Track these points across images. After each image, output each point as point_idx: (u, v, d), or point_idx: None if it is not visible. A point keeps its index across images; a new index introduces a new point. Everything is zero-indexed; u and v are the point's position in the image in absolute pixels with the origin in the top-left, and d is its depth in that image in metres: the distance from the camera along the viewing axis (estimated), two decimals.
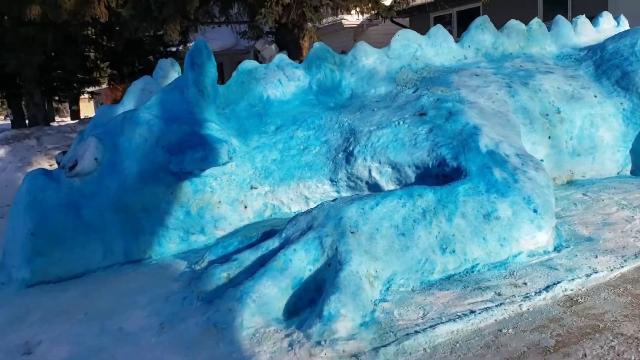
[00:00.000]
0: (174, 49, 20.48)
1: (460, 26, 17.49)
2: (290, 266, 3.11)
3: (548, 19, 14.06)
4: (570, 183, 4.88)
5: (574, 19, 6.19)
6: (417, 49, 5.23)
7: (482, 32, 5.49)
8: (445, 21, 18.26)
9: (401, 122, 4.31)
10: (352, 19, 21.36)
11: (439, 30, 5.38)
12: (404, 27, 20.13)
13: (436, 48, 5.32)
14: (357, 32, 21.50)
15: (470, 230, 3.37)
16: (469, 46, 5.47)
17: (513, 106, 4.65)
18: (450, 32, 17.20)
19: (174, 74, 5.31)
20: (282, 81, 5.01)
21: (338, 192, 4.42)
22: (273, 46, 12.59)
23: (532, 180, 3.61)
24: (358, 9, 8.69)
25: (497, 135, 4.00)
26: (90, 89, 28.09)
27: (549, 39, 5.81)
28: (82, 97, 30.46)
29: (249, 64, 5.06)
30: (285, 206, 4.48)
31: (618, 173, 5.02)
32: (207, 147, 3.90)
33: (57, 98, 27.68)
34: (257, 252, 3.36)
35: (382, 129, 4.32)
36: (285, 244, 3.32)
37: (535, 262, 3.36)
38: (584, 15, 6.25)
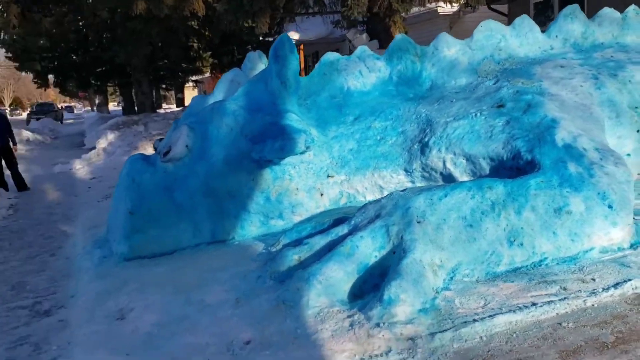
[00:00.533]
0: (270, 39, 21.16)
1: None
2: (357, 252, 3.27)
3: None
4: None
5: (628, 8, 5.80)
6: (500, 39, 5.17)
7: (571, 22, 5.31)
8: (546, 7, 17.46)
9: (478, 114, 4.32)
10: (448, 6, 20.96)
11: (524, 21, 5.27)
12: (502, 14, 19.44)
13: (521, 39, 5.22)
14: (453, 20, 21.08)
15: (540, 224, 3.36)
16: (557, 36, 5.31)
17: (598, 99, 4.50)
18: (551, 19, 16.51)
19: (262, 65, 5.59)
20: (363, 72, 5.15)
21: (413, 182, 4.51)
22: (364, 35, 12.66)
23: (609, 176, 3.52)
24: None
25: (576, 129, 3.91)
26: (194, 78, 29.69)
27: None
28: (186, 85, 32.27)
29: (331, 56, 5.24)
30: (360, 195, 4.64)
31: None
32: (286, 136, 4.13)
33: (164, 86, 29.51)
34: (327, 237, 3.55)
35: (458, 120, 4.35)
36: (353, 231, 3.49)
37: (608, 259, 3.30)
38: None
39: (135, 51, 15.60)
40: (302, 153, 4.35)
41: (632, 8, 5.49)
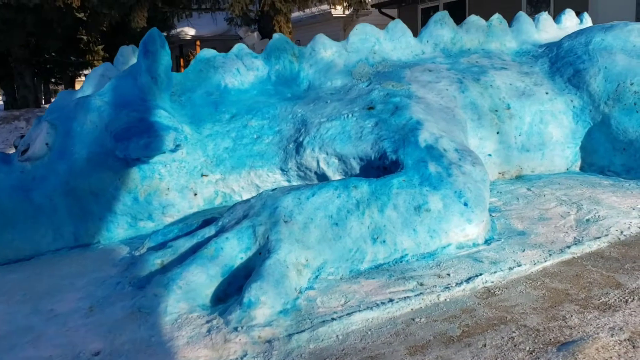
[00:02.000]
0: (164, 33, 20.44)
1: None
2: (221, 254, 3.19)
3: (532, 14, 14.20)
4: (519, 178, 4.98)
5: (536, 15, 6.28)
6: (375, 43, 5.30)
7: (441, 28, 5.57)
8: (432, 13, 18.31)
9: (350, 115, 4.39)
10: (340, 8, 21.40)
11: (397, 25, 5.45)
12: (392, 18, 20.17)
13: (394, 42, 5.40)
14: (347, 22, 21.56)
15: (401, 222, 3.47)
16: (427, 41, 5.54)
17: (462, 102, 4.74)
18: None
19: (134, 60, 5.35)
20: (241, 70, 5.07)
21: (289, 181, 4.51)
22: (255, 34, 12.59)
23: (466, 175, 3.71)
24: (331, 1, 8.68)
25: (439, 131, 4.09)
26: (87, 72, 28.03)
27: (509, 35, 5.89)
28: (78, 79, 30.37)
29: (207, 52, 5.12)
30: (236, 194, 4.57)
31: (567, 169, 5.13)
32: (153, 134, 3.97)
33: (53, 80, 27.55)
34: (193, 239, 3.45)
35: (331, 121, 4.40)
36: (220, 232, 3.41)
37: (463, 254, 3.47)
38: (546, 12, 6.32)
39: (10, 40, 14.47)
40: (172, 151, 4.21)
41: (496, 17, 5.85)
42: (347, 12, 21.13)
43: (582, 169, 5.13)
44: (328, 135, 4.30)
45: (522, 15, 6.07)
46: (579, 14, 6.75)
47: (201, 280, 3.06)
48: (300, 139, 4.41)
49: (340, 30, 21.72)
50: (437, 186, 3.59)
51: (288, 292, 2.96)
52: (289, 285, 3.00)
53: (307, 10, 21.15)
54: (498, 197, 4.52)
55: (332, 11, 21.14)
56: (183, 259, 3.30)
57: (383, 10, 19.67)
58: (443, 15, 5.60)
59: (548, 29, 6.18)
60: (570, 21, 6.41)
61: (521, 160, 4.98)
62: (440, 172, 3.67)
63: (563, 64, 5.32)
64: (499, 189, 4.72)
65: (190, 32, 26.41)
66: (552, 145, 5.03)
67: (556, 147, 5.05)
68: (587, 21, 6.58)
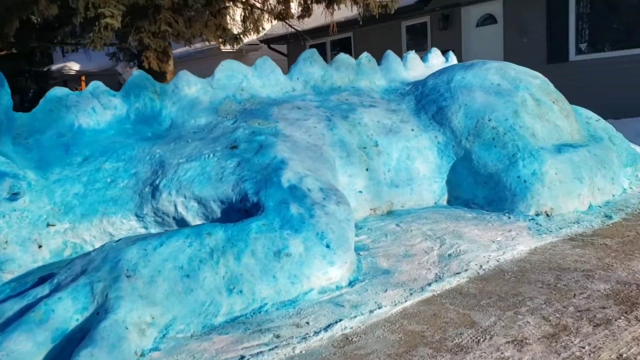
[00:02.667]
0: (44, 69, 19.27)
1: (334, 54, 18.03)
2: (52, 317, 2.82)
3: (411, 48, 14.88)
4: (390, 213, 4.99)
5: (404, 54, 6.47)
6: (242, 79, 5.17)
7: (311, 65, 5.56)
8: (321, 49, 18.74)
9: (211, 155, 4.18)
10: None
11: (265, 62, 5.36)
12: (282, 54, 20.41)
13: (263, 79, 5.30)
14: (237, 57, 21.50)
15: (260, 269, 3.28)
16: (298, 78, 5.50)
17: (331, 139, 4.69)
18: (325, 59, 17.70)
19: None
20: (97, 109, 4.72)
21: (146, 228, 4.18)
22: (134, 69, 12.15)
23: (329, 215, 3.60)
24: (205, 37, 8.53)
25: (304, 170, 3.98)
26: None
27: (378, 73, 6.00)
28: None
29: (58, 91, 4.73)
30: (88, 244, 4.16)
31: (435, 203, 5.22)
32: None
33: None
34: (23, 301, 3.04)
35: (190, 161, 4.16)
36: (55, 291, 3.03)
37: (325, 299, 3.33)
38: (414, 51, 6.55)
39: None
40: (10, 200, 3.76)
41: (364, 55, 5.95)
42: (236, 47, 21.16)
43: (449, 202, 5.24)
44: (186, 177, 4.05)
45: (390, 54, 6.23)
46: (445, 52, 7.06)
47: (26, 348, 2.67)
48: (157, 182, 4.12)
49: None
50: (298, 228, 3.45)
51: (126, 357, 2.64)
52: (128, 348, 2.68)
53: (195, 46, 20.91)
54: (368, 234, 4.47)
55: (221, 46, 21.04)
56: (9, 324, 2.89)
57: (272, 45, 19.85)
58: (312, 53, 5.60)
59: (416, 67, 6.39)
60: (436, 59, 6.67)
61: (391, 196, 4.99)
62: (302, 214, 3.54)
63: (427, 102, 5.47)
64: (369, 225, 4.68)
65: (74, 67, 25.18)
66: (419, 180, 5.10)
67: (424, 182, 5.13)
68: (452, 59, 6.89)
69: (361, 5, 8.88)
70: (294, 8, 10.98)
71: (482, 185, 5.05)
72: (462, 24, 13.76)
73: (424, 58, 6.67)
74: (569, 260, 3.81)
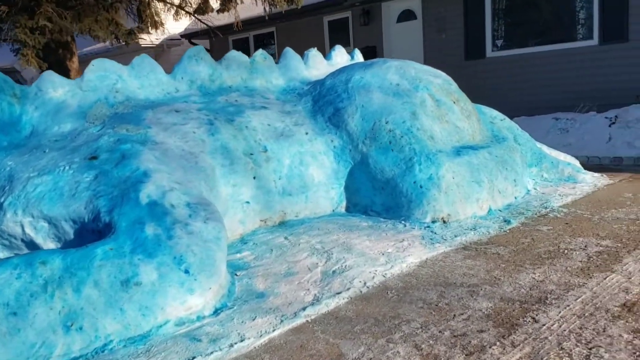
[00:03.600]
0: None
1: (256, 49, 17.51)
2: None
3: (334, 44, 14.62)
4: (282, 224, 4.65)
5: (305, 52, 6.14)
6: (117, 80, 4.68)
7: (197, 64, 5.13)
8: (244, 43, 18.23)
9: (67, 167, 3.70)
10: (151, 38, 20.53)
11: (144, 60, 4.89)
12: (207, 49, 19.70)
13: (141, 80, 4.82)
14: (158, 52, 20.69)
15: (104, 301, 2.85)
16: (182, 78, 5.06)
17: (211, 146, 4.30)
18: (249, 54, 17.22)
19: None
20: None
21: None
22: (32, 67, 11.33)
23: (193, 235, 3.21)
24: (94, 32, 7.89)
25: (171, 182, 3.57)
26: None
27: (276, 72, 5.64)
28: None
29: None
30: None
31: (333, 210, 4.92)
32: None
33: None
34: None
35: (43, 175, 3.66)
36: None
37: (182, 333, 2.93)
38: (315, 48, 6.23)
39: None
40: None
41: (259, 52, 5.58)
42: (156, 42, 20.32)
43: (347, 209, 4.95)
44: (36, 193, 3.55)
45: (289, 52, 5.88)
46: (370, 48, 6.76)
47: None
48: (2, 200, 3.60)
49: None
50: (152, 252, 3.04)
51: None
52: None
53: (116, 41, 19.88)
54: (252, 250, 4.11)
55: (140, 41, 20.17)
56: None
57: (193, 40, 19.15)
58: (198, 50, 5.18)
59: (318, 66, 6.07)
60: (340, 57, 6.38)
61: (284, 205, 4.65)
62: (159, 235, 3.13)
63: (324, 103, 5.16)
64: (257, 239, 4.32)
65: None
66: (315, 187, 4.78)
67: (320, 189, 4.82)
68: (358, 57, 6.63)
69: (266, 0, 8.46)
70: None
71: (379, 191, 4.79)
72: (383, 20, 13.61)
73: (327, 56, 6.37)
74: (457, 273, 3.59)
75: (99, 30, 7.52)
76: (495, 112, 6.23)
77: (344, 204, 4.95)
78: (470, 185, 4.77)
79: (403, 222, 4.58)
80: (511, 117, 10.25)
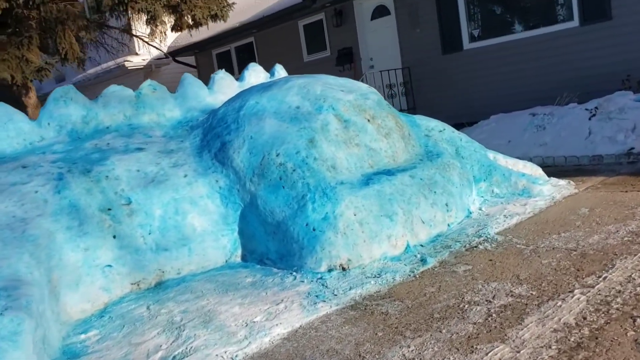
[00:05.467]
0: None
1: (238, 61, 16.99)
2: None
3: (311, 48, 13.94)
4: (159, 285, 4.01)
5: (212, 75, 5.50)
6: None
7: (65, 106, 4.54)
8: (225, 57, 17.68)
9: None
10: (137, 59, 20.23)
11: (1, 109, 4.32)
12: (191, 65, 19.28)
13: None
14: (147, 73, 20.32)
15: None
16: (49, 124, 4.48)
17: (55, 206, 3.69)
18: (232, 66, 16.67)
19: None
20: None
21: None
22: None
23: None
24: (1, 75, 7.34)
25: None
26: None
27: (169, 103, 5.02)
28: None
29: None
30: None
31: (226, 261, 4.26)
32: None
33: None
34: None
35: None
36: None
37: None
38: (224, 69, 5.57)
39: None
40: None
41: (146, 84, 4.97)
42: (144, 62, 19.96)
43: (244, 257, 4.29)
44: None
45: (187, 78, 5.25)
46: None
47: None
48: None
49: (142, 81, 20.32)
50: None
51: None
52: None
53: (102, 65, 19.74)
54: (102, 328, 3.48)
55: (126, 63, 19.90)
56: None
57: (178, 58, 18.70)
58: (66, 90, 4.59)
59: (226, 90, 5.42)
60: (255, 77, 5.71)
61: (161, 263, 4.02)
62: None
63: (212, 136, 4.51)
64: (117, 310, 3.69)
65: None
66: (199, 237, 4.14)
67: (206, 239, 4.17)
68: (280, 74, 5.94)
69: (187, 16, 7.84)
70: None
71: (272, 237, 4.12)
72: (357, 18, 12.85)
73: (240, 76, 5.70)
74: (322, 349, 2.90)
75: (3, 71, 7.01)
76: (433, 123, 5.47)
77: (239, 252, 4.29)
78: (379, 221, 4.05)
79: (294, 273, 3.89)
80: (490, 114, 9.40)
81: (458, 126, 10.41)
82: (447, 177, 4.78)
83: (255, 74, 5.71)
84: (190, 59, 19.10)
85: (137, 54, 20.33)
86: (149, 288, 3.99)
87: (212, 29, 16.45)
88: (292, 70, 14.43)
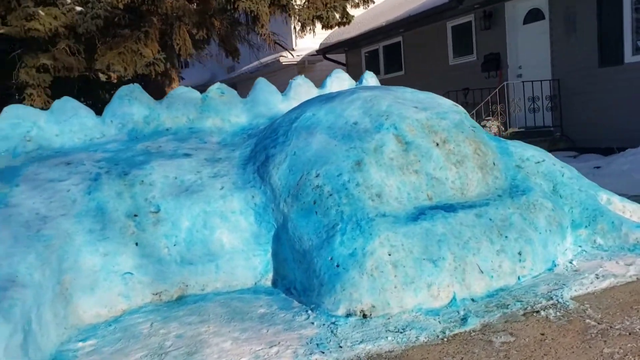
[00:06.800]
0: None
1: (385, 60, 16.61)
2: None
3: (457, 50, 13.09)
4: (180, 300, 3.85)
5: (290, 80, 5.22)
6: (31, 127, 4.33)
7: (129, 104, 4.56)
8: (373, 55, 17.40)
9: None
10: (294, 55, 20.85)
11: (66, 104, 4.47)
12: (341, 63, 19.34)
13: (61, 125, 4.41)
14: (300, 69, 20.82)
15: None
16: (112, 121, 4.54)
17: (81, 207, 3.68)
18: (379, 66, 16.39)
19: None
20: None
21: None
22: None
23: None
24: (116, 68, 7.65)
25: None
26: None
27: (237, 108, 4.85)
28: None
29: None
30: None
31: (255, 283, 3.96)
32: None
33: None
34: None
35: None
36: None
37: None
38: (303, 75, 5.28)
39: None
40: None
41: (215, 87, 4.84)
42: (298, 59, 20.46)
43: (275, 282, 3.96)
44: None
45: (261, 82, 5.03)
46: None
47: None
48: None
49: (297, 74, 20.85)
50: None
51: None
52: None
53: (261, 60, 20.71)
54: (101, 339, 3.37)
55: (281, 59, 20.59)
56: None
57: (328, 55, 18.82)
58: (132, 89, 4.61)
59: (303, 97, 5.10)
60: (339, 85, 5.31)
61: (185, 277, 3.85)
62: None
63: (261, 148, 4.23)
64: (126, 322, 3.57)
65: None
66: (227, 254, 3.89)
67: (236, 257, 3.91)
68: (369, 82, 5.46)
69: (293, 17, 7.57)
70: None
71: (298, 265, 3.74)
72: (507, 22, 11.72)
73: (322, 83, 5.35)
74: None
75: (118, 64, 7.38)
76: (530, 152, 4.63)
77: (270, 275, 3.97)
78: (419, 265, 3.46)
79: (310, 311, 3.47)
80: None
81: (607, 151, 9.01)
82: (530, 220, 3.99)
83: (339, 82, 5.31)
84: (341, 57, 19.14)
85: (293, 49, 20.98)
86: (170, 301, 3.84)
87: (362, 27, 16.34)
88: (435, 74, 13.79)
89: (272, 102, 4.96)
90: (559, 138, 10.56)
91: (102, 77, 9.70)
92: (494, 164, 4.32)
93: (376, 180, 3.78)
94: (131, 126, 4.54)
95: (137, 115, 4.56)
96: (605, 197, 4.67)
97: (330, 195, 3.70)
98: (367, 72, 5.59)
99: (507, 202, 4.02)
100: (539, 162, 4.55)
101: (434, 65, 14.06)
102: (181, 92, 4.74)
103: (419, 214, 3.70)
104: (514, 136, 10.16)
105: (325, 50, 18.60)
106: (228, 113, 4.78)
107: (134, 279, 3.75)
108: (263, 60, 21.02)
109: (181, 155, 4.20)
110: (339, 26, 10.16)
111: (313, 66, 20.98)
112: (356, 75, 17.89)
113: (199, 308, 3.67)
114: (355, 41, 17.09)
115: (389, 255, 3.44)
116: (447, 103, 4.52)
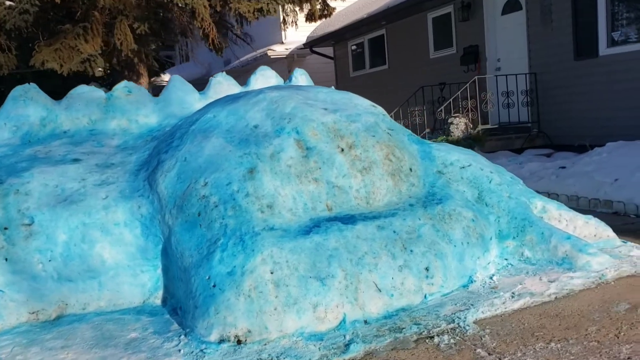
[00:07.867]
0: None
1: (370, 54, 16.22)
2: None
3: (438, 42, 12.68)
4: (57, 320, 3.54)
5: (211, 77, 4.89)
6: None
7: (25, 106, 4.25)
8: (359, 49, 17.00)
9: None
10: (281, 49, 20.53)
11: None
12: (328, 57, 18.97)
13: None
14: (289, 62, 20.45)
15: None
16: (5, 124, 4.23)
17: None
18: (363, 58, 16.02)
19: None
20: None
21: None
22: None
23: None
24: (50, 65, 7.31)
25: None
26: None
27: (147, 108, 4.53)
28: None
29: None
30: None
31: (144, 302, 3.64)
32: None
33: None
34: None
35: None
36: None
37: None
38: (224, 72, 4.94)
39: None
40: None
41: (121, 85, 4.52)
42: (286, 52, 20.09)
43: (165, 300, 3.65)
44: None
45: (176, 80, 4.70)
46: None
47: None
48: None
49: (285, 69, 20.51)
50: None
51: None
52: None
53: (251, 53, 20.44)
54: None
55: (269, 52, 20.27)
56: None
57: (316, 49, 18.42)
58: (27, 89, 4.30)
59: (224, 94, 4.76)
60: (264, 83, 4.96)
61: (64, 294, 3.54)
62: None
63: (156, 152, 3.91)
64: None
65: None
66: (112, 270, 3.58)
67: (121, 273, 3.60)
68: (299, 80, 5.12)
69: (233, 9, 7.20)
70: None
71: (180, 284, 3.42)
72: (485, 12, 11.29)
73: (247, 81, 5.01)
74: None
75: (53, 61, 7.05)
76: (455, 156, 4.27)
77: (160, 292, 3.66)
78: (304, 284, 3.14)
79: (182, 336, 3.16)
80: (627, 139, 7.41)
81: (580, 148, 8.61)
82: (443, 231, 3.65)
83: (264, 80, 4.96)
84: (329, 50, 18.72)
85: (282, 42, 20.62)
86: (47, 321, 3.54)
87: (346, 19, 15.94)
88: (417, 68, 13.37)
89: (188, 101, 4.63)
90: (535, 135, 10.15)
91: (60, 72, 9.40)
92: (410, 170, 3.98)
93: (269, 190, 3.46)
94: (26, 129, 4.23)
95: (34, 117, 4.25)
96: (540, 204, 4.32)
97: (216, 206, 3.38)
98: (298, 69, 5.24)
99: (418, 212, 3.69)
100: (464, 167, 4.20)
101: (416, 59, 13.66)
102: (83, 91, 4.42)
103: (312, 227, 3.38)
104: (484, 134, 9.77)
105: (312, 44, 18.21)
106: (135, 113, 4.46)
107: (5, 297, 3.46)
108: (250, 55, 20.74)
109: (69, 160, 3.89)
110: (307, 21, 9.87)
111: (303, 59, 20.60)
112: (344, 69, 17.33)
113: (70, 330, 3.36)
114: (340, 34, 16.70)
115: (271, 273, 3.12)
116: (364, 104, 4.17)
